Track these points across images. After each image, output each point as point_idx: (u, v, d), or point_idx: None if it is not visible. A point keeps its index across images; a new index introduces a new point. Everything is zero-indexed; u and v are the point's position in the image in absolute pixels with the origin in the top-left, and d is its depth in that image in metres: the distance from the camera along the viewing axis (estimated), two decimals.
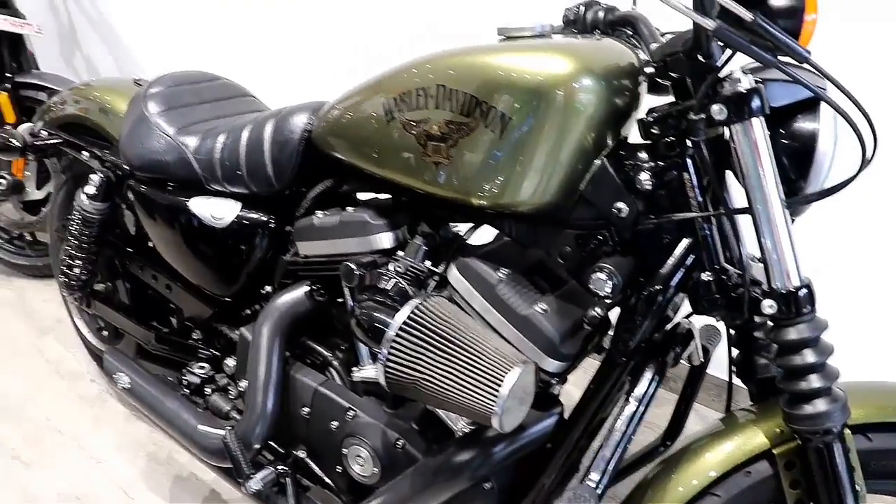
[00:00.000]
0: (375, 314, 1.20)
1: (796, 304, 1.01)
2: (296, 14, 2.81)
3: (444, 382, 1.06)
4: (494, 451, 1.20)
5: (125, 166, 1.75)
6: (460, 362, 1.05)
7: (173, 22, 3.23)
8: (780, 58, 0.93)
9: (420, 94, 1.17)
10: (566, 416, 1.25)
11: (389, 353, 1.09)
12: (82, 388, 2.39)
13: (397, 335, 1.08)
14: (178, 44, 3.24)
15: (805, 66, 0.93)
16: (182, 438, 1.59)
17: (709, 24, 0.91)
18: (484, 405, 1.03)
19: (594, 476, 1.13)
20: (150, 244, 1.83)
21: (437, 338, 1.07)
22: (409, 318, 1.09)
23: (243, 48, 3.00)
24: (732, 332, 1.20)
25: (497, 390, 1.02)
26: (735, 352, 1.22)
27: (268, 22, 2.91)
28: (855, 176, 0.98)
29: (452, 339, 1.07)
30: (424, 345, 1.08)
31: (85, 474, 2.03)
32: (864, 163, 0.98)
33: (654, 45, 1.16)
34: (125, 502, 1.95)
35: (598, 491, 1.11)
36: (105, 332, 2.23)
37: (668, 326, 1.27)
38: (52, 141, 1.99)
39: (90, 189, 1.82)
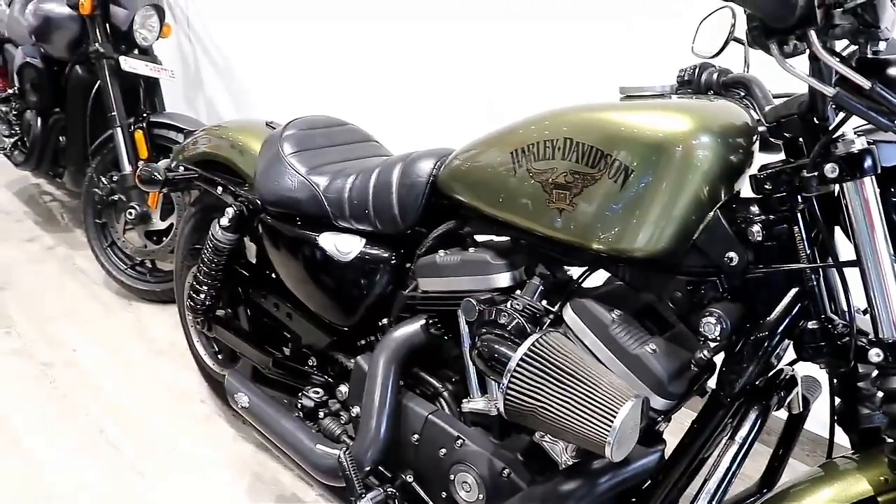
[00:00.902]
0: (496, 346, 1.29)
1: None
2: (410, 59, 2.98)
3: (560, 411, 1.14)
4: (598, 484, 1.26)
5: (258, 201, 1.90)
6: (577, 393, 1.13)
7: (291, 69, 3.44)
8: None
9: (548, 146, 1.27)
10: (667, 454, 1.31)
11: (510, 383, 1.18)
12: (193, 408, 2.54)
13: (518, 366, 1.17)
14: (295, 89, 3.45)
15: None
16: (298, 457, 1.69)
17: (828, 91, 0.99)
18: (598, 434, 1.10)
19: None
20: (272, 275, 1.97)
21: (555, 369, 1.16)
22: (529, 350, 1.18)
23: (355, 96, 3.18)
24: (835, 381, 1.25)
25: (612, 420, 1.09)
26: (837, 401, 1.27)
27: (379, 71, 3.09)
28: None
29: (570, 371, 1.15)
30: (544, 376, 1.16)
31: (195, 488, 2.16)
32: None
33: (767, 107, 1.24)
34: None
35: None
36: (221, 356, 2.38)
37: (772, 372, 1.32)
38: (189, 175, 2.17)
39: (224, 221, 1.97)
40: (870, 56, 1.00)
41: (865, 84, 0.96)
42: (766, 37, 1.06)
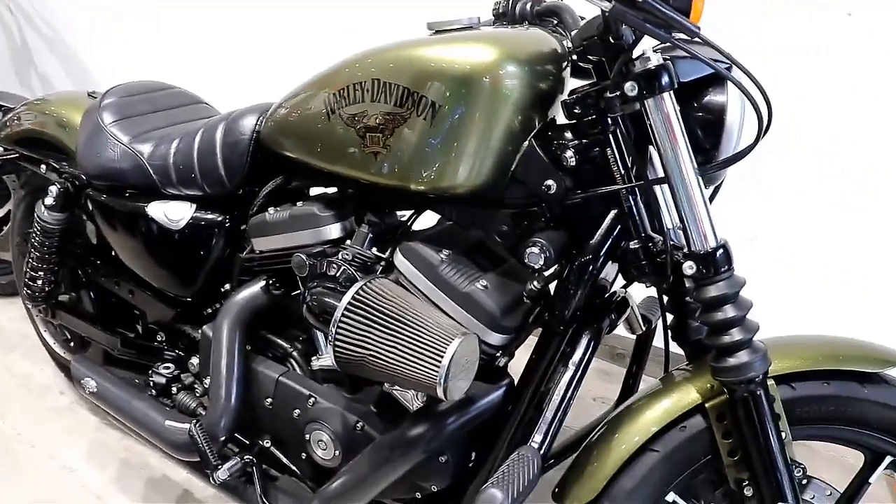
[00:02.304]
0: (324, 298, 1.26)
1: (714, 263, 1.08)
2: (247, 20, 2.87)
3: (389, 357, 1.12)
4: (446, 424, 1.26)
5: (82, 176, 1.79)
6: (404, 337, 1.12)
7: (126, 34, 3.27)
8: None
9: (357, 89, 1.23)
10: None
11: (337, 334, 1.15)
12: (52, 401, 2.41)
13: (343, 315, 1.15)
14: (132, 56, 3.27)
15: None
16: (150, 436, 1.64)
17: (605, 5, 0.99)
18: (428, 375, 1.09)
19: (537, 438, 1.19)
20: (112, 252, 1.88)
21: (381, 316, 1.14)
22: (353, 298, 1.15)
23: (197, 57, 3.05)
24: (666, 298, 1.28)
25: (439, 360, 1.09)
26: (670, 317, 1.30)
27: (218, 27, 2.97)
28: (754, 144, 1.07)
29: (396, 316, 1.14)
30: (369, 323, 1.14)
31: (58, 483, 2.06)
32: (761, 132, 1.06)
33: (574, 33, 1.24)
34: None
35: (541, 451, 1.18)
36: (72, 343, 2.27)
37: (606, 296, 1.34)
38: (8, 156, 2.03)
39: (49, 200, 1.85)
40: None
41: None
42: None
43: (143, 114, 1.78)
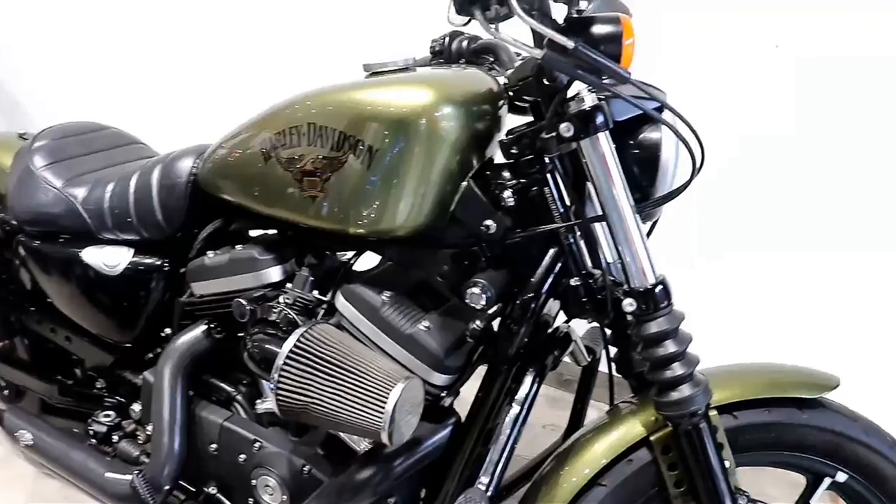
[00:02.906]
0: (265, 345, 1.25)
1: (654, 300, 1.10)
2: (187, 57, 2.84)
3: (333, 404, 1.11)
4: (394, 466, 1.26)
5: (13, 221, 1.74)
6: (347, 383, 1.11)
7: (61, 71, 3.20)
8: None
9: (293, 132, 1.23)
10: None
11: (279, 381, 1.14)
12: None
13: (285, 363, 1.13)
14: (67, 94, 3.21)
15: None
16: (90, 488, 1.59)
17: (537, 53, 1.00)
18: (372, 422, 1.09)
19: (484, 479, 1.19)
20: (48, 299, 1.83)
21: (323, 362, 1.13)
22: (295, 345, 1.14)
23: (134, 95, 3.01)
24: (609, 331, 1.29)
25: (383, 406, 1.08)
26: (614, 350, 1.31)
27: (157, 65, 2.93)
28: (690, 181, 1.09)
29: (338, 362, 1.13)
30: (312, 369, 1.13)
31: None
32: (696, 170, 1.08)
33: (510, 71, 1.25)
34: None
35: (489, 493, 1.18)
36: (6, 391, 2.19)
37: (549, 332, 1.35)
38: None
39: None
40: (574, 15, 1.02)
41: (569, 44, 0.98)
42: (471, 3, 1.05)
43: (77, 156, 1.74)
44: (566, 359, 1.44)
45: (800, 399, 1.23)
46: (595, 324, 1.44)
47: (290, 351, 1.14)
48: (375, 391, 1.09)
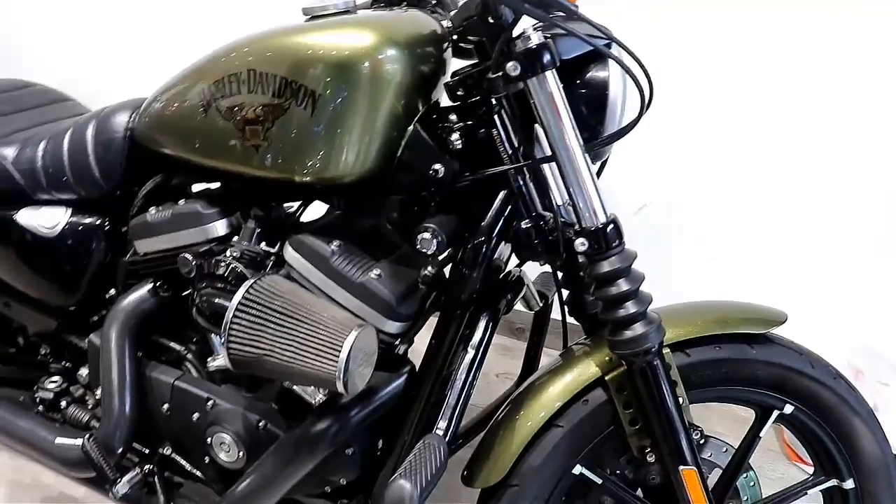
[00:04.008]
0: (214, 300, 1.22)
1: (605, 239, 1.10)
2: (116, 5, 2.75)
3: (285, 355, 1.10)
4: (350, 416, 1.25)
5: None
6: (299, 333, 1.10)
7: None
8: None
9: (233, 80, 1.19)
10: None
11: (230, 335, 1.12)
12: None
13: (235, 315, 1.11)
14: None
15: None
16: (41, 456, 1.56)
17: None
18: (326, 371, 1.07)
19: (441, 424, 1.19)
20: None
21: (274, 313, 1.11)
22: (244, 298, 1.12)
23: (61, 50, 2.90)
24: (560, 274, 1.29)
25: (336, 355, 1.07)
26: (566, 292, 1.31)
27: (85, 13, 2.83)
28: (638, 119, 1.08)
29: (289, 312, 1.11)
30: (262, 321, 1.11)
31: None
32: (644, 107, 1.08)
33: (453, 13, 1.23)
34: None
35: (447, 438, 1.18)
36: None
37: (501, 277, 1.34)
38: None
39: None
40: None
41: None
42: None
43: (4, 114, 1.67)
44: (519, 306, 1.44)
45: (749, 335, 1.26)
46: (546, 268, 1.44)
47: (240, 303, 1.11)
48: (329, 340, 1.08)
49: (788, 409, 1.28)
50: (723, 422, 1.68)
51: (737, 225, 2.12)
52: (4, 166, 1.54)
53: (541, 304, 1.50)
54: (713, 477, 1.33)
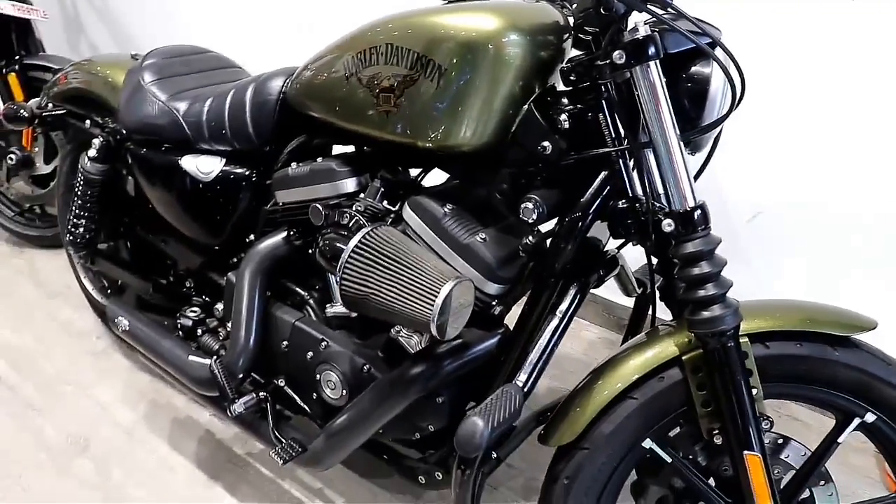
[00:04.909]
0: (335, 243, 1.37)
1: (691, 221, 1.17)
2: None
3: (389, 295, 1.23)
4: (442, 365, 1.36)
5: (123, 131, 1.93)
6: (404, 277, 1.22)
7: (168, 3, 3.40)
8: None
9: (373, 52, 1.34)
10: None
11: (343, 273, 1.26)
12: (89, 345, 2.57)
13: (350, 257, 1.26)
14: (173, 24, 3.41)
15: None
16: (175, 371, 1.76)
17: None
18: (423, 312, 1.20)
19: (522, 377, 1.29)
20: (149, 205, 2.01)
21: (383, 258, 1.25)
22: (360, 241, 1.26)
23: (232, 25, 3.18)
24: (656, 261, 1.36)
25: (434, 299, 1.19)
26: (659, 279, 1.38)
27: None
28: (728, 114, 1.16)
29: (397, 258, 1.24)
30: (373, 264, 1.25)
31: (92, 419, 2.21)
32: (735, 103, 1.15)
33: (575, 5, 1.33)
34: (128, 441, 2.12)
35: (525, 389, 1.28)
36: (108, 290, 2.41)
37: (596, 254, 1.43)
38: (57, 112, 2.17)
39: (92, 152, 1.99)
40: None
41: None
42: None
43: (181, 74, 1.90)
44: (627, 301, 1.50)
45: (833, 337, 1.27)
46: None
47: (356, 246, 1.25)
48: (429, 285, 1.20)
49: (870, 417, 1.28)
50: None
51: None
52: (176, 117, 1.77)
53: (638, 291, 1.57)
54: (787, 477, 1.36)
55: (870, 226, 2.02)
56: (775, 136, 2.03)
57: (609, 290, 1.81)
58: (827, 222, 2.07)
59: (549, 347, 1.30)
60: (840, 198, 2.03)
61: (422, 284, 1.21)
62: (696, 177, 1.33)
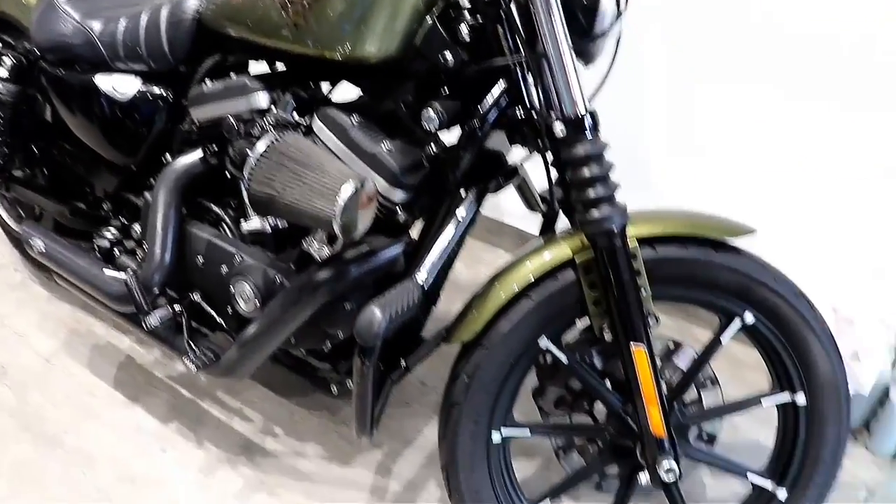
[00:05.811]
0: (244, 149, 1.41)
1: (581, 126, 1.25)
2: None
3: (294, 195, 1.28)
4: (349, 270, 1.41)
5: (36, 51, 1.91)
6: (307, 178, 1.27)
7: None
8: None
9: None
10: None
11: (250, 176, 1.30)
12: (6, 277, 2.55)
13: (258, 160, 1.30)
14: None
15: None
16: (89, 287, 1.78)
17: None
18: (326, 212, 1.25)
19: (421, 275, 1.36)
20: (64, 128, 2.00)
21: (288, 160, 1.30)
22: (267, 147, 1.31)
23: None
24: (556, 174, 1.43)
25: (335, 197, 1.24)
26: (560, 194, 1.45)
27: None
28: (613, 23, 1.24)
29: (302, 161, 1.29)
30: (279, 166, 1.29)
31: (9, 348, 2.22)
32: (618, 16, 1.26)
33: None
34: (47, 369, 2.14)
35: (424, 286, 1.35)
36: (24, 217, 2.40)
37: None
38: None
39: (2, 72, 1.97)
40: None
41: None
42: None
43: None
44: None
45: (716, 242, 1.37)
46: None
47: (263, 151, 1.30)
48: (331, 185, 1.25)
49: (750, 318, 1.38)
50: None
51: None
52: (90, 36, 1.76)
53: (543, 208, 1.64)
54: (676, 378, 1.46)
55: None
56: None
57: (524, 220, 1.87)
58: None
59: (449, 249, 1.37)
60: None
61: (324, 183, 1.26)
62: (597, 91, 1.40)
